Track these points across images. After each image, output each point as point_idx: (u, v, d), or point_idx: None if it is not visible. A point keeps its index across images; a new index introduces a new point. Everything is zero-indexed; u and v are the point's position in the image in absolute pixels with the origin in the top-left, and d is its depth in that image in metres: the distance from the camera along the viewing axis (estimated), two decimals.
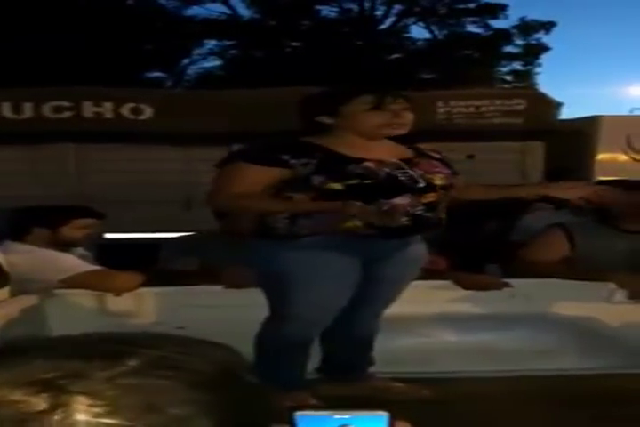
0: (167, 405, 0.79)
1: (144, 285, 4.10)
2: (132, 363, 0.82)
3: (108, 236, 5.76)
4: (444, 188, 3.46)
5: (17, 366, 0.81)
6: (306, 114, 3.52)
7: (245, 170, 3.34)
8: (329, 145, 3.38)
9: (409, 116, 3.41)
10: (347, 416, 0.99)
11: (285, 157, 3.30)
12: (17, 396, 0.77)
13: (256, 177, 3.31)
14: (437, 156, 3.63)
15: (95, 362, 0.81)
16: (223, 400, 0.83)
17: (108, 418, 0.76)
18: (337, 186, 3.25)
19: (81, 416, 0.76)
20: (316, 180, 3.26)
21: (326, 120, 3.43)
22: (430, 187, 3.39)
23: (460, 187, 3.64)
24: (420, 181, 3.37)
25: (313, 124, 3.46)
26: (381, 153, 3.39)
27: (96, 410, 0.76)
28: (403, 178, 3.35)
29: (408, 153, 3.51)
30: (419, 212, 3.34)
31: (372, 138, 3.42)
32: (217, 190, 3.46)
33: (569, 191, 3.67)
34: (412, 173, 3.38)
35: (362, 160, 3.31)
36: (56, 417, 0.75)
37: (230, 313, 3.90)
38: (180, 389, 0.81)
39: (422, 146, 3.69)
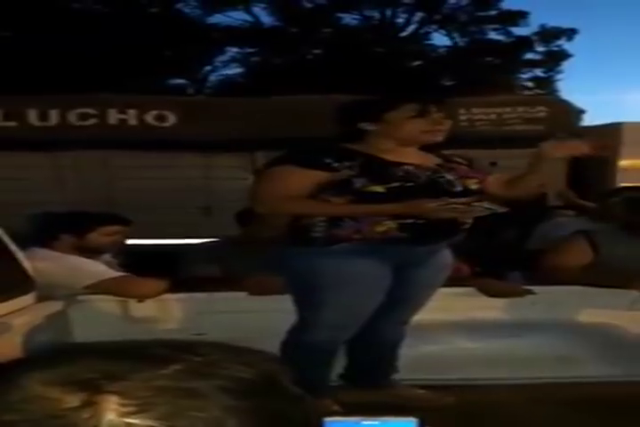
0: (199, 409, 0.79)
1: (167, 291, 4.11)
2: (175, 367, 0.83)
3: (130, 242, 5.77)
4: (477, 192, 3.50)
5: (61, 366, 0.82)
6: (345, 121, 3.56)
7: (292, 173, 3.38)
8: (368, 150, 3.43)
9: (448, 124, 3.48)
10: (375, 422, 1.00)
11: (329, 161, 3.35)
12: (54, 394, 0.78)
13: (302, 180, 3.36)
14: (464, 161, 3.67)
15: (137, 365, 0.83)
16: (261, 408, 0.83)
17: (135, 418, 0.77)
18: (378, 188, 3.30)
19: (109, 415, 0.77)
20: (358, 183, 3.31)
21: (368, 127, 3.48)
22: (467, 191, 3.43)
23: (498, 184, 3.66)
24: (457, 184, 3.42)
25: (351, 131, 3.50)
26: (417, 159, 3.46)
27: (125, 409, 0.77)
28: (441, 182, 3.40)
29: (438, 159, 3.55)
30: (468, 219, 3.41)
31: (409, 144, 3.48)
32: (265, 193, 3.49)
33: (564, 149, 3.64)
34: (448, 177, 3.43)
35: (402, 164, 3.36)
36: (84, 415, 0.77)
37: (252, 320, 3.90)
38: (217, 394, 0.81)
39: (447, 153, 3.72)
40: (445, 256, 3.65)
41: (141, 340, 0.93)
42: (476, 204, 3.38)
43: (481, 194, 3.53)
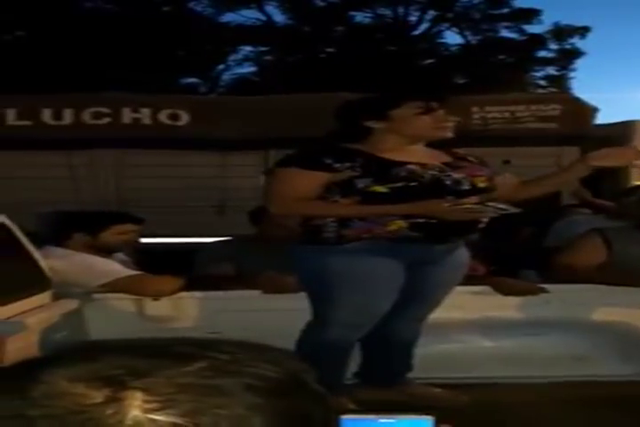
0: (223, 407, 0.80)
1: (182, 289, 4.12)
2: (199, 365, 0.83)
3: (144, 240, 5.81)
4: (486, 190, 3.48)
5: (85, 363, 0.83)
6: (349, 119, 3.55)
7: (295, 175, 3.40)
8: (370, 149, 3.42)
9: (454, 121, 3.48)
10: (391, 420, 1.00)
11: (329, 161, 3.36)
12: (78, 389, 0.79)
13: (305, 181, 3.37)
14: (475, 160, 3.65)
15: (162, 362, 0.83)
16: (286, 406, 0.83)
17: (159, 415, 0.77)
18: (382, 189, 3.29)
19: (133, 411, 0.77)
20: (361, 183, 3.31)
21: (373, 125, 3.48)
22: (475, 189, 3.42)
23: (508, 187, 3.66)
24: (464, 183, 3.40)
25: (355, 130, 3.50)
26: (423, 157, 3.44)
27: (149, 406, 0.77)
28: (447, 181, 3.39)
29: (447, 157, 3.53)
30: (484, 219, 3.39)
31: (417, 141, 3.48)
32: (273, 196, 3.55)
33: (614, 158, 3.60)
34: (455, 175, 3.42)
35: (405, 163, 3.35)
36: (108, 411, 0.77)
37: (267, 318, 3.91)
38: (242, 392, 0.81)
39: (459, 151, 3.71)
40: (462, 255, 3.64)
41: (166, 337, 0.94)
42: (490, 204, 3.37)
43: (490, 192, 3.51)
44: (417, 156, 3.45)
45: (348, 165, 3.34)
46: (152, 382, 0.80)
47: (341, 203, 3.39)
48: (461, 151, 3.71)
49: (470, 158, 3.66)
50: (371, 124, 3.49)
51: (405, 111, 3.44)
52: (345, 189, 3.35)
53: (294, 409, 0.84)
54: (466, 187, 3.43)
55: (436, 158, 3.51)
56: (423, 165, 3.40)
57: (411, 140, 3.47)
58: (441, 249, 3.48)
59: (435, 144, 3.58)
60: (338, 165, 3.35)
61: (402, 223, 3.32)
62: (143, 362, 0.83)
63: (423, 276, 3.54)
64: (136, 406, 0.77)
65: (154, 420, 0.77)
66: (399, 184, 3.30)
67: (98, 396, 0.78)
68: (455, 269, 3.63)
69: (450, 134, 3.48)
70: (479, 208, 3.32)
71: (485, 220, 3.50)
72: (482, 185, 3.49)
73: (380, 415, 1.01)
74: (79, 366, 0.82)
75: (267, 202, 3.64)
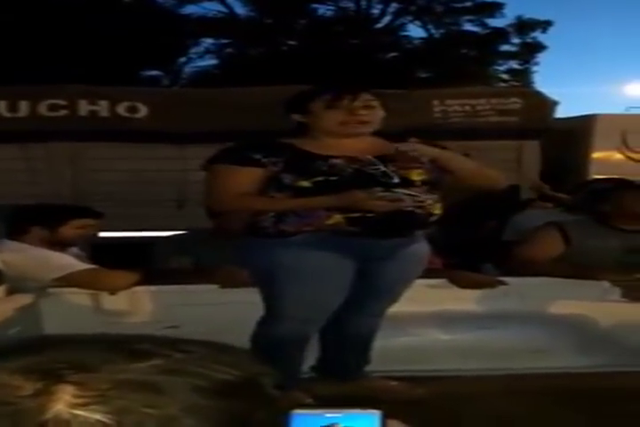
0: (154, 406, 0.78)
1: (139, 283, 4.09)
2: (152, 362, 0.82)
3: (102, 235, 5.76)
4: (425, 183, 3.44)
5: (34, 355, 0.82)
6: (285, 112, 3.55)
7: (226, 170, 3.40)
8: (300, 143, 3.41)
9: (371, 115, 3.43)
10: (339, 415, 0.99)
11: (257, 157, 3.35)
12: (15, 382, 0.78)
13: (237, 177, 3.36)
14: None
15: (114, 358, 0.82)
16: (225, 409, 0.82)
17: (83, 410, 0.76)
18: (305, 183, 3.29)
19: (57, 405, 0.76)
20: (287, 178, 3.32)
21: (298, 118, 3.49)
22: (406, 182, 3.38)
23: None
24: (394, 176, 3.36)
25: (294, 123, 3.50)
26: (356, 150, 3.40)
27: (76, 401, 0.76)
28: (375, 174, 3.35)
29: (389, 149, 3.48)
30: (405, 208, 3.33)
31: (334, 136, 3.43)
32: (210, 193, 3.56)
33: None
34: (384, 168, 3.37)
35: (329, 157, 3.33)
36: (34, 403, 0.76)
37: (225, 312, 3.89)
38: (182, 392, 0.80)
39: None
40: (419, 249, 3.61)
41: (134, 334, 0.92)
42: (397, 190, 3.30)
43: (429, 185, 3.45)
44: (349, 149, 3.39)
45: (273, 160, 3.33)
46: (89, 377, 0.78)
47: (272, 197, 3.39)
48: (418, 140, 3.63)
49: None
50: (296, 117, 3.50)
51: (318, 105, 3.41)
52: (275, 184, 3.35)
53: (235, 412, 0.83)
54: (395, 180, 3.36)
55: (373, 150, 3.44)
56: (350, 159, 3.35)
57: (329, 135, 3.43)
58: (391, 244, 3.45)
59: (391, 136, 3.55)
60: (265, 160, 3.34)
61: (339, 218, 3.30)
62: (93, 357, 0.82)
63: (378, 271, 3.52)
64: (63, 400, 0.76)
65: (76, 415, 0.76)
66: (320, 178, 3.28)
67: (30, 388, 0.77)
68: (411, 264, 3.60)
69: (367, 129, 3.45)
70: (388, 195, 3.27)
71: (437, 213, 3.47)
72: (416, 178, 3.41)
73: (327, 410, 1.00)
74: (24, 359, 0.81)
75: (205, 198, 3.66)
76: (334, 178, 3.29)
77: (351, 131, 3.42)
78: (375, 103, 3.45)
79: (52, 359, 0.81)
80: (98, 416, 0.76)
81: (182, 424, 0.79)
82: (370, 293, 3.60)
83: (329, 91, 3.44)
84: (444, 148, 3.62)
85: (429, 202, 3.41)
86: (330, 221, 3.31)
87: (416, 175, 3.42)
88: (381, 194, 3.25)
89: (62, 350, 0.83)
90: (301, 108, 3.48)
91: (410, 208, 3.33)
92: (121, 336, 0.91)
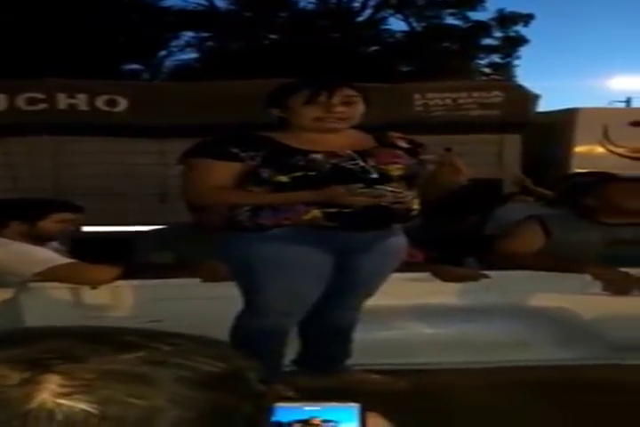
0: (140, 396, 0.78)
1: (120, 278, 4.07)
2: (138, 354, 0.82)
3: (83, 229, 5.75)
4: (404, 178, 3.44)
5: (22, 346, 0.82)
6: (265, 107, 3.54)
7: (203, 165, 3.39)
8: (279, 138, 3.41)
9: (350, 110, 3.41)
10: (317, 408, 0.99)
11: (235, 151, 3.34)
12: (1, 371, 0.78)
13: (214, 171, 3.35)
14: (405, 145, 3.59)
15: (101, 349, 0.82)
16: (209, 401, 0.82)
17: (68, 399, 0.76)
18: (283, 178, 3.29)
19: (42, 394, 0.76)
20: (265, 173, 3.31)
21: (277, 113, 3.48)
22: (385, 177, 3.38)
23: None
24: (372, 171, 3.36)
25: (275, 118, 3.49)
26: (335, 145, 3.39)
27: (62, 390, 0.77)
28: (354, 169, 3.35)
29: (369, 144, 3.49)
30: (384, 203, 3.33)
31: (311, 132, 3.42)
32: (186, 186, 3.57)
33: None
34: (363, 164, 3.37)
35: (308, 152, 3.32)
36: (19, 392, 0.76)
37: (207, 306, 3.88)
38: (168, 383, 0.80)
39: (395, 135, 3.64)
40: (396, 242, 3.61)
41: (121, 327, 0.92)
42: (379, 186, 3.31)
43: (408, 180, 3.45)
44: (327, 144, 3.39)
45: (252, 154, 3.32)
46: (76, 367, 0.79)
47: (251, 192, 3.38)
48: (397, 135, 3.64)
49: (400, 144, 3.58)
50: (275, 112, 3.48)
51: (296, 100, 3.40)
52: (253, 178, 3.34)
53: (220, 404, 0.83)
54: (374, 175, 3.36)
55: (352, 145, 3.44)
56: (329, 154, 3.34)
57: (307, 130, 3.42)
58: (368, 237, 3.45)
59: (372, 130, 3.55)
60: (243, 155, 3.33)
61: (317, 213, 3.30)
62: (80, 348, 0.82)
63: (354, 264, 3.52)
64: (48, 389, 0.76)
65: (60, 404, 0.76)
66: (298, 173, 3.28)
67: (16, 377, 0.77)
68: (388, 257, 3.61)
69: (343, 125, 3.43)
70: (369, 191, 3.28)
71: (417, 208, 3.48)
72: (394, 173, 3.42)
73: (305, 403, 1.00)
74: (10, 350, 0.81)
75: (182, 191, 3.66)
76: (313, 173, 3.29)
77: (328, 126, 3.41)
78: (355, 99, 3.43)
79: (39, 350, 0.81)
80: (82, 406, 0.76)
81: (167, 415, 0.79)
82: (347, 286, 3.60)
83: (306, 86, 3.41)
84: (421, 144, 3.64)
85: (409, 197, 3.41)
86: (307, 216, 3.31)
87: (395, 170, 3.42)
88: (361, 190, 3.25)
89: (49, 342, 0.83)
90: (280, 102, 3.46)
91: (388, 203, 3.33)
92: (108, 328, 0.91)
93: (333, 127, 3.42)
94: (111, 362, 0.80)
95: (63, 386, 0.77)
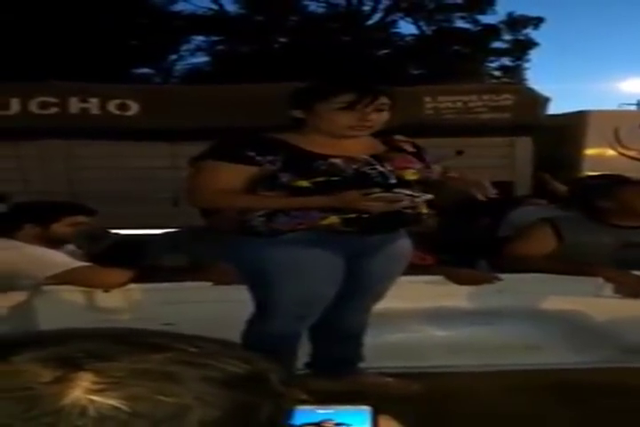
0: (168, 394, 0.80)
1: (133, 281, 4.08)
2: (167, 355, 0.85)
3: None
4: (418, 182, 3.43)
5: (55, 345, 0.84)
6: (289, 106, 3.47)
7: (215, 167, 3.32)
8: (296, 141, 3.34)
9: (379, 118, 3.35)
10: (330, 411, 1.00)
11: (251, 154, 3.27)
12: (34, 369, 0.80)
13: (226, 174, 3.29)
14: (411, 149, 3.59)
15: (131, 349, 0.84)
16: (233, 400, 0.84)
17: (100, 396, 0.78)
18: (304, 183, 3.23)
19: (75, 391, 0.78)
20: (284, 177, 3.25)
21: (300, 115, 3.39)
22: (401, 182, 3.36)
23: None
24: (391, 177, 3.35)
25: (291, 119, 3.44)
26: (352, 149, 3.36)
27: (94, 387, 0.78)
28: (372, 174, 3.33)
29: (381, 148, 3.47)
30: (400, 208, 3.32)
31: (335, 137, 3.36)
32: (191, 189, 3.45)
33: None
34: (381, 169, 3.36)
35: (328, 157, 3.28)
36: (53, 390, 0.78)
37: (219, 309, 3.89)
38: (196, 382, 0.83)
39: (400, 138, 3.63)
40: (401, 245, 3.60)
41: (151, 330, 0.95)
42: (397, 190, 3.27)
43: (421, 185, 3.43)
44: (345, 148, 3.34)
45: (270, 158, 3.25)
46: (107, 366, 0.81)
47: (264, 196, 3.33)
48: (402, 138, 3.62)
49: (407, 148, 3.57)
50: (297, 113, 3.40)
51: (329, 105, 3.29)
52: (270, 182, 3.27)
53: (244, 404, 0.85)
54: (392, 180, 3.34)
55: (367, 150, 3.41)
56: (348, 159, 3.30)
57: (330, 136, 3.35)
58: (375, 240, 3.43)
59: (379, 133, 3.53)
60: (260, 159, 3.26)
61: (335, 219, 3.27)
62: (111, 348, 0.84)
63: (364, 267, 3.51)
64: (81, 386, 0.78)
65: (92, 400, 0.78)
66: (321, 179, 3.22)
67: (49, 375, 0.79)
68: (395, 260, 3.60)
69: (368, 132, 3.38)
70: (388, 196, 3.24)
71: (425, 212, 3.46)
72: (410, 178, 3.40)
73: (318, 406, 1.01)
74: (45, 349, 0.83)
75: (187, 194, 3.51)
76: (335, 178, 3.24)
77: (355, 134, 3.35)
78: (386, 106, 3.36)
79: (71, 350, 0.83)
80: (113, 402, 0.78)
81: (194, 413, 0.81)
82: (357, 289, 3.59)
83: (340, 91, 3.30)
84: (421, 147, 3.65)
85: (420, 201, 3.40)
86: (325, 222, 3.28)
87: (410, 175, 3.41)
88: (380, 195, 3.23)
89: (81, 342, 0.85)
90: (306, 105, 3.36)
91: (406, 208, 3.32)
92: (138, 331, 0.94)
93: (359, 134, 3.37)
94: (141, 361, 0.82)
95: (95, 383, 0.79)
